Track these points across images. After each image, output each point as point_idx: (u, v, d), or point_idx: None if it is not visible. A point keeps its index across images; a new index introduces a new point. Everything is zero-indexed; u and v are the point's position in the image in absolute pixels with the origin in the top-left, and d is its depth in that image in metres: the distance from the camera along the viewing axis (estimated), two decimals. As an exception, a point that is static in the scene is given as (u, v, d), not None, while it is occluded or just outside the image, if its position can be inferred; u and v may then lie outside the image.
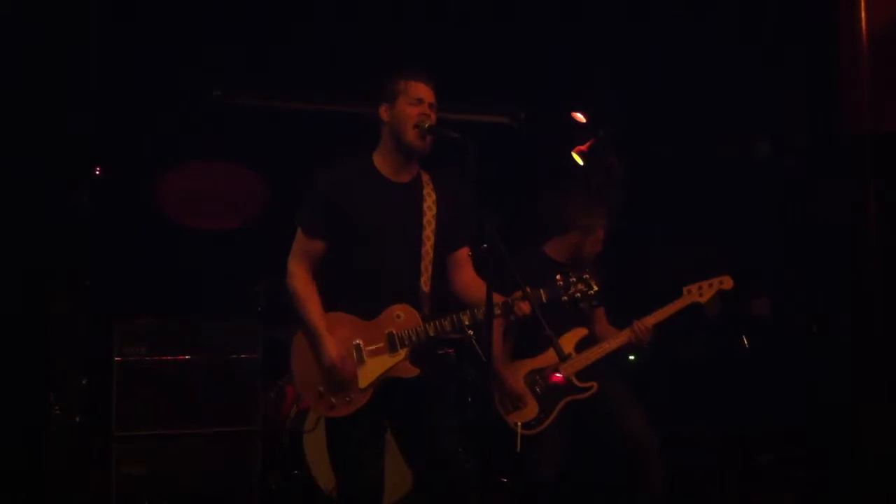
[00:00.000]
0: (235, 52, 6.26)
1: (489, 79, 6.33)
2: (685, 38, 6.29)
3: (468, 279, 4.05)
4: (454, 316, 3.89)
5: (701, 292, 4.94)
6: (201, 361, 5.48)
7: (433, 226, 3.96)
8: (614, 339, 5.02)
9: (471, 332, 5.42)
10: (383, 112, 3.96)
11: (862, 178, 5.07)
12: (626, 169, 5.82)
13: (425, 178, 4.05)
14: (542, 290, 3.90)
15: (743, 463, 5.85)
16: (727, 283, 4.96)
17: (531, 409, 4.90)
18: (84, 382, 5.30)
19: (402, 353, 3.88)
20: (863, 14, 4.86)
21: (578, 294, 3.93)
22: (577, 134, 5.69)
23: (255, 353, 5.57)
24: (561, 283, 3.93)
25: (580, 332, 4.99)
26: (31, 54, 5.28)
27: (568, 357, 4.85)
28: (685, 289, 4.97)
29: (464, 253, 4.06)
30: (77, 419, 5.23)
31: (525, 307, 3.83)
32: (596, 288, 3.94)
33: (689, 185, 6.42)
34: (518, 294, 3.81)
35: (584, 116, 5.73)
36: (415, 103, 3.90)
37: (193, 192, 6.13)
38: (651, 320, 4.95)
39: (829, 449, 5.51)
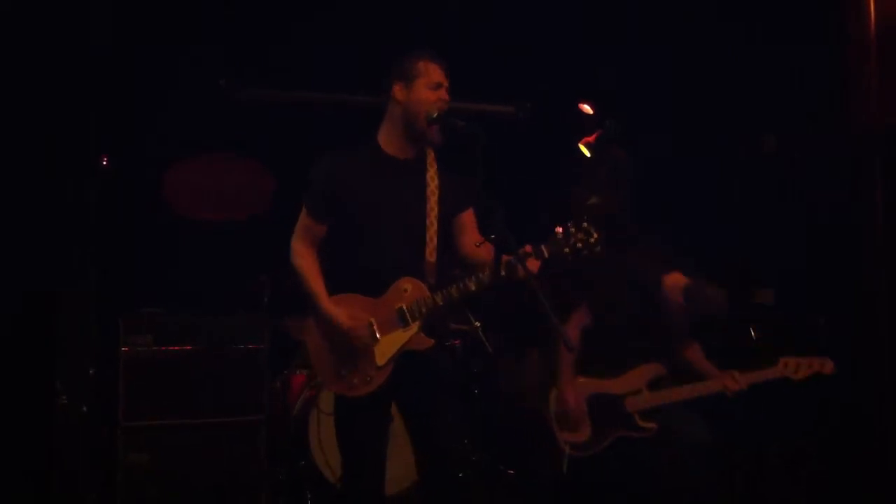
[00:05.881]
0: (235, 52, 6.27)
1: (489, 78, 6.34)
2: (685, 37, 6.32)
3: (476, 241, 4.03)
4: (460, 283, 3.85)
5: (797, 370, 4.64)
6: (207, 352, 5.46)
7: (437, 195, 3.94)
8: (705, 385, 4.72)
9: (477, 323, 5.51)
10: (397, 91, 3.93)
11: (868, 173, 5.11)
12: (631, 162, 5.81)
13: (428, 149, 4.03)
14: (543, 246, 3.82)
15: (747, 462, 5.84)
16: (827, 367, 4.64)
17: (584, 433, 4.75)
18: (91, 372, 5.30)
19: (415, 326, 3.88)
20: (871, 7, 4.89)
21: (580, 244, 3.80)
22: (583, 125, 5.71)
23: (260, 344, 5.56)
24: (560, 235, 3.82)
25: (655, 369, 4.77)
26: (31, 54, 5.28)
27: (574, 349, 4.81)
28: (782, 360, 4.66)
29: (469, 216, 4.05)
30: (83, 409, 5.21)
31: (531, 265, 3.75)
32: (596, 235, 3.81)
33: (691, 182, 6.43)
34: (521, 251, 3.75)
35: (591, 108, 5.72)
36: (434, 88, 3.89)
37: (199, 185, 6.14)
38: (749, 379, 4.67)
39: (834, 447, 5.52)
